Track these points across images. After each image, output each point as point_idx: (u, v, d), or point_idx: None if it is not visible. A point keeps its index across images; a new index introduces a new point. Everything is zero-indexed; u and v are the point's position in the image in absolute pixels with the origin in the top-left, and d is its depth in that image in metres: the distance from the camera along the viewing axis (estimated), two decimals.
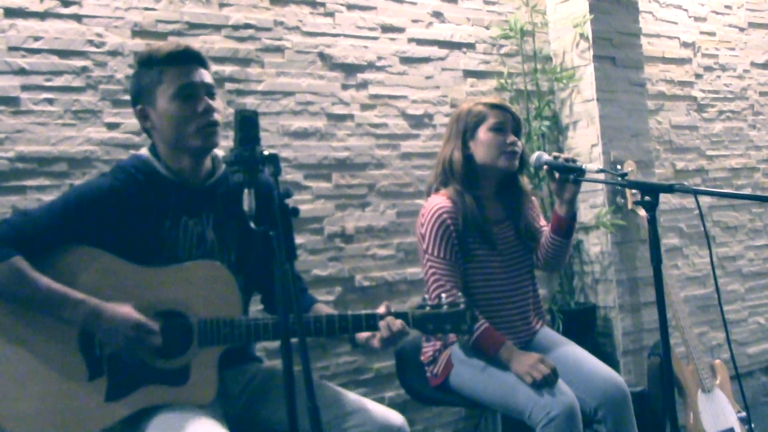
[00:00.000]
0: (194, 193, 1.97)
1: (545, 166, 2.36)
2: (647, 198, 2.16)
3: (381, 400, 3.06)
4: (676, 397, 3.32)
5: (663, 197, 3.93)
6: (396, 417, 2.01)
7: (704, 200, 4.15)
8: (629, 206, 3.42)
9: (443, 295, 2.04)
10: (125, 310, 1.81)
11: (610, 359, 3.50)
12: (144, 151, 1.98)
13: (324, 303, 2.20)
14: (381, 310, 1.97)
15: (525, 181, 2.57)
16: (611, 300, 3.48)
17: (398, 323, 1.94)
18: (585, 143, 3.53)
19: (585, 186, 3.52)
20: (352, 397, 2.05)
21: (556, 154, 2.37)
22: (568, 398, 2.19)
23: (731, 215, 4.27)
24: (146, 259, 1.89)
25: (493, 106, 2.46)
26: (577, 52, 3.54)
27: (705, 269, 4.11)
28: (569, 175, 2.34)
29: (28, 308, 1.80)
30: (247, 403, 2.07)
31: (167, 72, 1.91)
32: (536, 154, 2.39)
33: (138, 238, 1.89)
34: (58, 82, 2.53)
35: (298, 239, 2.94)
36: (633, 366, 3.44)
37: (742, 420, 3.34)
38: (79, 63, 2.56)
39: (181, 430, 1.77)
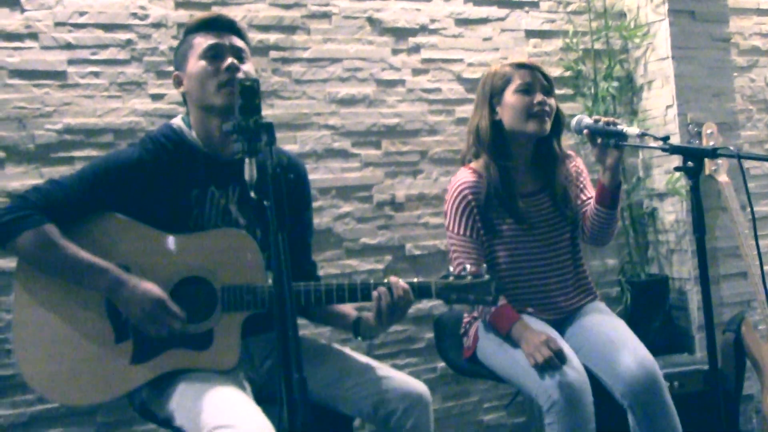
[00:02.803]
0: (222, 165, 1.99)
1: (585, 131, 2.23)
2: (690, 164, 2.01)
3: (433, 370, 3.04)
4: (755, 378, 3.10)
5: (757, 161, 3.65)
6: (418, 385, 2.00)
7: None
8: (707, 171, 3.18)
9: (467, 265, 2.00)
10: (149, 285, 1.85)
11: (684, 334, 3.31)
12: (176, 120, 2.04)
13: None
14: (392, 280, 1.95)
15: (562, 144, 2.43)
16: (686, 271, 3.27)
17: (402, 286, 1.92)
18: (659, 104, 3.31)
19: (659, 150, 3.31)
20: (373, 364, 2.06)
21: (596, 117, 2.23)
22: (572, 382, 2.06)
23: None
24: (173, 228, 1.93)
25: (519, 66, 2.35)
26: (651, 7, 3.31)
27: None
28: (610, 139, 2.19)
29: (54, 275, 1.86)
30: (271, 371, 2.09)
31: (198, 36, 1.97)
32: (577, 117, 2.26)
33: (165, 207, 1.93)
34: (104, 55, 2.61)
35: (346, 207, 2.93)
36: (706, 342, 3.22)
37: None
38: (123, 36, 2.63)
39: (205, 395, 1.80)
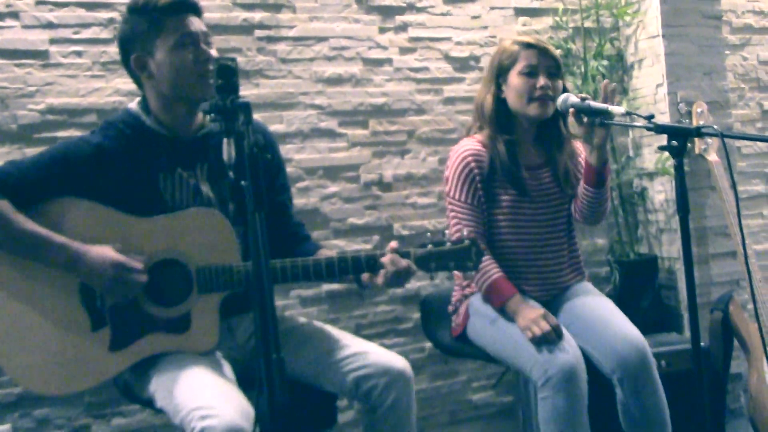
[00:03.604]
0: (186, 145, 1.98)
1: (571, 109, 2.21)
2: (674, 143, 2.00)
3: (421, 350, 3.04)
4: (743, 357, 3.11)
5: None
6: (398, 359, 2.00)
7: None
8: (696, 151, 3.16)
9: (446, 232, 2.00)
10: (104, 250, 1.83)
11: (673, 313, 3.31)
12: (133, 105, 2.00)
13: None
14: (391, 247, 1.95)
15: (569, 124, 2.42)
16: (675, 251, 3.26)
17: (404, 262, 1.93)
18: (650, 83, 3.28)
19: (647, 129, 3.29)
20: (355, 341, 2.07)
21: (582, 95, 2.21)
22: (569, 357, 2.08)
23: None
24: (143, 213, 1.91)
25: (527, 46, 2.33)
26: None
27: None
28: (595, 118, 2.18)
29: (11, 252, 1.84)
30: (252, 352, 2.09)
31: (166, 22, 1.91)
32: (563, 96, 2.25)
33: (133, 193, 1.92)
34: (86, 34, 2.59)
35: (333, 187, 2.91)
36: (689, 321, 3.21)
37: None
38: (106, 15, 2.61)
39: (183, 377, 1.80)
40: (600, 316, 2.26)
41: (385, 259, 1.92)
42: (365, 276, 2.00)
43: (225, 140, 1.64)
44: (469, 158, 2.33)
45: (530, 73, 2.31)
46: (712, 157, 3.13)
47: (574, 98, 2.21)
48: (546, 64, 2.33)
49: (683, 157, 1.98)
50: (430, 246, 1.97)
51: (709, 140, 3.12)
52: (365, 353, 2.00)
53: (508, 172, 2.33)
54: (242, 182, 1.60)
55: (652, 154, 3.31)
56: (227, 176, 1.97)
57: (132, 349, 1.88)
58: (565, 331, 2.18)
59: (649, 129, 2.05)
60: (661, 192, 3.30)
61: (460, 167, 2.34)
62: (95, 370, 1.87)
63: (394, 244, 1.97)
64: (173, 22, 1.91)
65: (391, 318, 3.00)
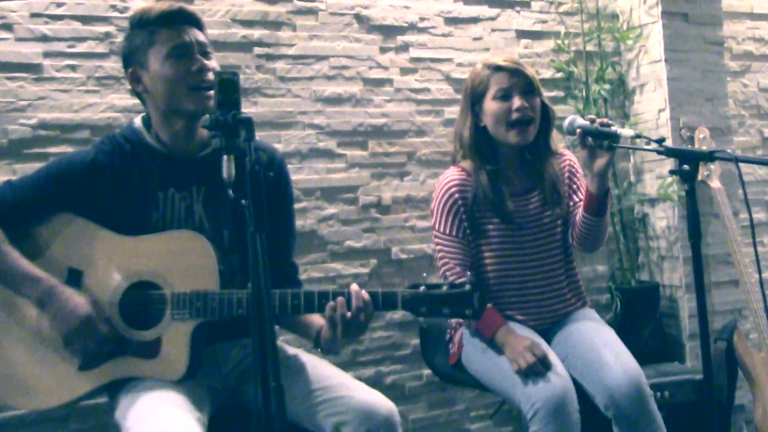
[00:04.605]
0: (184, 165, 1.90)
1: (578, 130, 2.15)
2: (685, 167, 1.95)
3: (419, 377, 2.96)
4: (746, 388, 3.04)
5: (748, 167, 3.59)
6: (383, 405, 1.83)
7: None
8: (699, 177, 3.12)
9: (448, 274, 1.90)
10: (79, 301, 1.77)
11: (675, 343, 3.25)
12: (137, 120, 1.94)
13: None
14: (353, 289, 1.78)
15: (553, 139, 2.36)
16: (677, 278, 3.20)
17: (362, 297, 1.75)
18: (652, 108, 3.25)
19: (651, 155, 3.26)
20: (341, 379, 1.91)
21: (591, 117, 2.16)
22: (555, 389, 1.99)
23: None
24: (131, 231, 1.85)
25: (497, 69, 2.26)
26: (644, 9, 3.25)
27: None
28: (603, 141, 2.12)
29: None
30: (237, 380, 1.99)
31: (160, 33, 1.85)
32: (570, 117, 2.19)
33: (123, 210, 1.86)
34: (81, 48, 2.52)
35: (331, 209, 2.85)
36: (700, 351, 3.15)
37: None
38: (101, 29, 2.55)
39: (135, 405, 1.74)
40: (595, 348, 2.16)
41: (327, 306, 1.75)
42: (325, 336, 1.85)
43: (225, 157, 1.57)
44: (453, 189, 2.27)
45: (503, 96, 2.24)
46: (715, 183, 3.09)
47: (581, 120, 2.15)
48: (519, 83, 2.25)
49: (695, 182, 1.94)
50: (422, 288, 1.76)
51: (712, 166, 3.09)
52: (347, 397, 1.83)
53: (491, 203, 2.27)
54: (243, 201, 1.52)
55: (653, 179, 3.27)
56: (226, 201, 1.93)
57: (100, 371, 1.81)
58: (555, 360, 2.10)
59: (660, 153, 2.00)
60: (662, 218, 3.26)
61: (444, 199, 2.27)
62: (63, 389, 1.81)
63: (355, 287, 1.78)
64: (167, 33, 1.84)
65: (388, 344, 2.93)
